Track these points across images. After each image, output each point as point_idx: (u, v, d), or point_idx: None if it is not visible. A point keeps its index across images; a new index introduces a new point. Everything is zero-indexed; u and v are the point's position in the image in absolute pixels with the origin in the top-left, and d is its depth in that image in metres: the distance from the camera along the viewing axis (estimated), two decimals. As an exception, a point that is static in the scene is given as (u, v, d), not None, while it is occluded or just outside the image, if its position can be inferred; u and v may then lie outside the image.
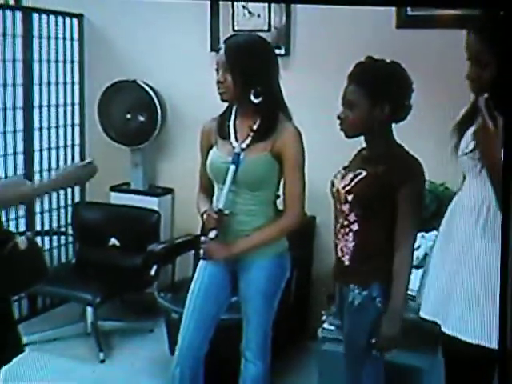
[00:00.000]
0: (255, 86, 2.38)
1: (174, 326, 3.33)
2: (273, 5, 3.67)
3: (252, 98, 2.38)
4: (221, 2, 3.76)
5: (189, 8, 3.75)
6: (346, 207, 2.25)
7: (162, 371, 3.42)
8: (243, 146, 2.42)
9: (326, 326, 2.92)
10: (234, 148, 2.42)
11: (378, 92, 2.20)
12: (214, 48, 3.80)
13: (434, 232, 2.80)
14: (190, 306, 2.54)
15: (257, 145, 2.41)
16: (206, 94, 3.82)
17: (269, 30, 3.67)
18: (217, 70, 2.41)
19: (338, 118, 2.27)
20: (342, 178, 2.30)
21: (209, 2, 3.77)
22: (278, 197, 2.51)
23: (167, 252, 3.70)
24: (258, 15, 3.71)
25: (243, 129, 2.45)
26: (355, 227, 2.24)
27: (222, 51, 2.40)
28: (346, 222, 2.26)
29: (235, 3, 3.73)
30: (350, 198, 2.23)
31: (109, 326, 3.81)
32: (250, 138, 2.42)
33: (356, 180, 2.23)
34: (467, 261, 1.92)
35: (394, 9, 3.43)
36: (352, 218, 2.24)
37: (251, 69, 2.37)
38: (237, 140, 2.44)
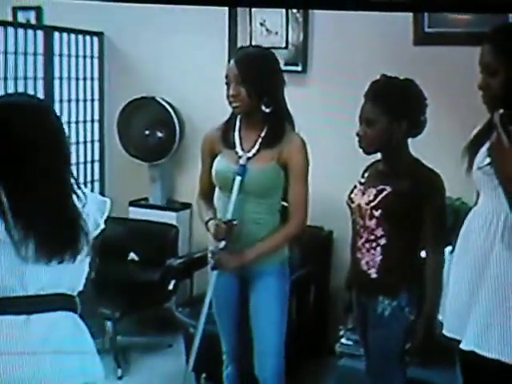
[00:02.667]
0: (266, 96, 2.42)
1: (192, 340, 3.33)
2: (290, 22, 3.70)
3: (263, 107, 2.42)
4: (239, 20, 3.79)
5: (207, 26, 3.79)
6: (372, 222, 2.30)
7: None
8: (250, 154, 2.45)
9: (343, 341, 2.92)
10: (240, 157, 2.45)
11: (394, 109, 2.27)
12: (232, 65, 3.85)
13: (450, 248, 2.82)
14: (219, 315, 2.64)
15: (264, 153, 2.44)
16: (223, 110, 3.89)
17: (286, 47, 3.70)
18: (227, 84, 2.44)
19: (357, 135, 2.34)
20: (363, 193, 2.35)
21: (227, 21, 3.81)
22: (282, 205, 2.54)
23: (185, 267, 3.72)
24: (276, 32, 3.75)
25: (250, 138, 2.47)
26: (383, 241, 2.30)
27: (232, 65, 2.43)
28: (372, 237, 2.31)
29: (253, 21, 3.77)
30: (377, 213, 2.29)
31: (127, 342, 3.82)
32: (257, 146, 2.45)
33: (382, 196, 2.29)
34: (486, 274, 1.92)
35: (411, 26, 3.45)
36: (379, 232, 2.30)
37: (263, 80, 2.41)
38: (243, 149, 2.47)
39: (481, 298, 1.92)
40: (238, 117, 2.50)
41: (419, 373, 2.59)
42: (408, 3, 2.31)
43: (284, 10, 3.68)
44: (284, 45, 3.71)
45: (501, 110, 1.73)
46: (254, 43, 3.77)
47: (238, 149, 2.47)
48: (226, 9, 3.77)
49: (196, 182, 4.10)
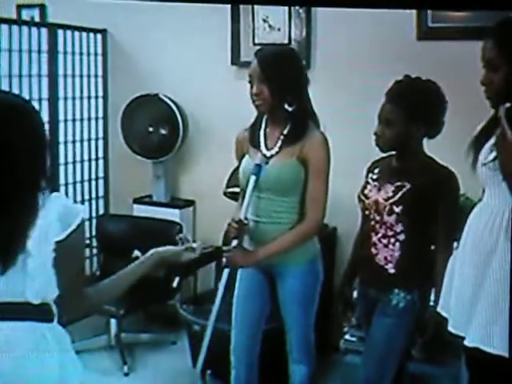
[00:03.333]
0: (289, 95, 2.43)
1: (196, 337, 3.34)
2: (293, 18, 3.69)
3: (286, 106, 2.43)
4: (242, 17, 3.79)
5: (210, 22, 3.79)
6: (391, 218, 2.34)
7: (184, 383, 3.44)
8: (272, 152, 2.47)
9: (347, 337, 2.92)
10: (265, 156, 2.47)
11: (414, 112, 2.31)
12: (235, 61, 3.85)
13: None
14: (235, 310, 2.63)
15: (285, 150, 2.45)
16: (226, 106, 3.90)
17: (289, 43, 3.69)
18: (250, 83, 2.45)
19: (375, 134, 2.37)
20: (379, 190, 2.37)
21: (230, 17, 3.80)
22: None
23: (189, 264, 3.71)
24: (279, 29, 3.74)
25: (273, 136, 2.50)
26: (402, 237, 2.34)
27: (255, 64, 2.44)
28: (390, 233, 2.35)
29: (255, 17, 3.76)
30: (397, 209, 2.32)
31: (132, 339, 3.84)
32: (279, 143, 2.47)
33: (402, 192, 2.32)
34: (490, 270, 1.91)
35: (414, 21, 3.44)
36: (399, 228, 2.34)
37: (286, 79, 2.42)
38: (267, 147, 2.49)
39: (485, 294, 1.91)
40: (265, 117, 2.53)
41: (426, 368, 2.59)
42: (410, 0, 2.30)
43: (287, 6, 3.67)
44: (287, 41, 3.70)
45: (507, 104, 1.72)
46: (256, 40, 3.77)
47: (263, 147, 2.49)
48: (229, 5, 3.76)
49: (199, 179, 4.13)
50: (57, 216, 1.64)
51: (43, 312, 1.67)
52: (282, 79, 2.41)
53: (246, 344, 2.63)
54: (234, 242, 2.47)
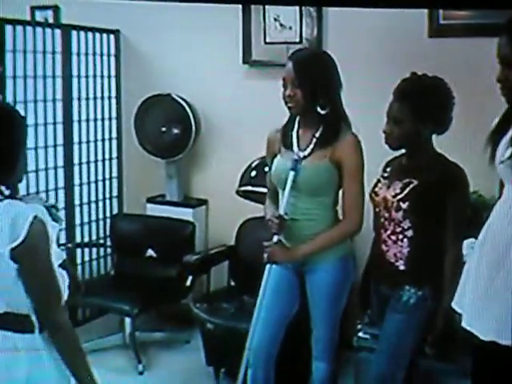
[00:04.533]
0: (322, 98, 2.47)
1: (209, 336, 3.36)
2: (304, 17, 3.70)
3: (319, 109, 2.47)
4: (253, 16, 3.80)
5: (221, 21, 3.80)
6: (399, 215, 2.35)
7: (199, 382, 3.45)
8: (305, 153, 2.51)
9: (361, 334, 2.92)
10: (297, 156, 2.51)
11: (423, 109, 2.32)
12: (247, 60, 3.86)
13: (471, 239, 2.81)
14: (259, 307, 2.63)
15: (318, 152, 2.50)
16: (238, 105, 3.91)
17: (300, 41, 3.70)
18: (284, 86, 2.50)
19: (384, 132, 2.39)
20: (388, 187, 2.39)
21: (241, 16, 3.81)
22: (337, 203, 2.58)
23: (202, 263, 3.74)
24: (290, 27, 3.75)
25: (306, 137, 2.54)
26: (410, 233, 2.35)
27: (289, 67, 2.48)
28: (398, 229, 2.36)
29: (267, 16, 3.77)
30: (404, 205, 2.33)
31: (146, 337, 3.86)
32: (312, 146, 2.51)
33: (409, 188, 2.33)
34: (508, 262, 1.91)
35: (426, 18, 3.43)
36: (406, 224, 2.35)
37: (319, 83, 2.47)
38: (299, 148, 2.53)
39: (501, 287, 1.91)
40: (297, 118, 2.57)
41: (437, 365, 2.59)
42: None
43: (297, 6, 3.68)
44: (298, 40, 3.71)
45: None
46: (268, 39, 3.78)
47: (295, 148, 2.54)
48: (240, 5, 3.78)
49: (212, 178, 4.15)
50: (10, 222, 1.61)
51: (18, 323, 1.65)
52: (315, 83, 2.46)
53: (269, 342, 2.63)
54: (275, 238, 2.52)
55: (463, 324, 2.04)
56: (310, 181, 2.49)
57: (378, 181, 2.47)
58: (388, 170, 2.48)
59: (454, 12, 3.39)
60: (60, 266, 1.75)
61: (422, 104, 2.30)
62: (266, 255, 2.56)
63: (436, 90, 2.33)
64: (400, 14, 3.25)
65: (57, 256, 1.76)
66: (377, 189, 2.45)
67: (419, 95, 2.31)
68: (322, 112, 2.47)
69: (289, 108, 2.52)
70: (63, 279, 1.77)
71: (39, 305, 1.67)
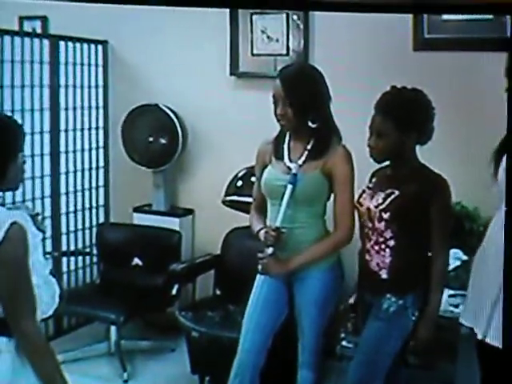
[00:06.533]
0: (313, 113, 2.51)
1: (194, 344, 3.37)
2: (291, 29, 3.74)
3: (310, 124, 2.52)
4: (240, 28, 3.83)
5: (209, 33, 3.84)
6: (381, 225, 2.39)
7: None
8: (299, 164, 2.54)
9: (344, 343, 2.94)
10: (288, 168, 2.55)
11: (405, 121, 2.36)
12: (234, 72, 3.90)
13: (454, 250, 2.86)
14: (248, 318, 2.65)
15: (309, 163, 2.53)
16: (225, 116, 3.94)
17: (287, 53, 3.74)
18: (274, 103, 2.53)
19: (369, 146, 2.42)
20: (372, 197, 2.43)
21: (228, 28, 3.85)
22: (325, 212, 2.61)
23: (188, 271, 3.76)
24: (277, 40, 3.78)
25: (297, 149, 2.58)
26: (392, 243, 2.38)
27: (278, 84, 2.51)
28: (381, 239, 2.39)
29: (254, 28, 3.81)
30: (386, 216, 2.37)
31: (131, 346, 3.86)
32: (303, 158, 2.55)
33: (390, 199, 2.37)
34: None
35: (411, 31, 3.48)
36: (388, 234, 2.38)
37: (309, 99, 2.50)
38: (290, 160, 2.56)
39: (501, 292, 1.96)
40: (288, 131, 2.60)
41: (419, 374, 2.62)
42: (408, 5, 2.35)
43: (285, 17, 3.72)
44: (285, 52, 3.75)
45: None
46: (255, 50, 3.82)
47: (286, 159, 2.57)
48: (228, 17, 3.81)
49: (198, 188, 4.16)
50: None
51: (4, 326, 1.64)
52: (305, 100, 2.49)
53: (256, 351, 2.64)
54: (270, 250, 2.53)
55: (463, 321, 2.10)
56: (305, 191, 2.52)
57: (363, 191, 2.51)
58: (373, 180, 2.52)
59: (439, 26, 3.44)
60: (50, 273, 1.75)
61: (404, 116, 2.35)
62: (260, 267, 2.57)
63: (417, 101, 2.37)
64: (385, 27, 3.31)
65: (42, 264, 1.76)
66: (361, 199, 2.48)
67: (401, 107, 2.36)
68: (313, 126, 2.52)
69: (281, 125, 2.57)
70: (52, 288, 1.77)
71: (7, 312, 1.65)
